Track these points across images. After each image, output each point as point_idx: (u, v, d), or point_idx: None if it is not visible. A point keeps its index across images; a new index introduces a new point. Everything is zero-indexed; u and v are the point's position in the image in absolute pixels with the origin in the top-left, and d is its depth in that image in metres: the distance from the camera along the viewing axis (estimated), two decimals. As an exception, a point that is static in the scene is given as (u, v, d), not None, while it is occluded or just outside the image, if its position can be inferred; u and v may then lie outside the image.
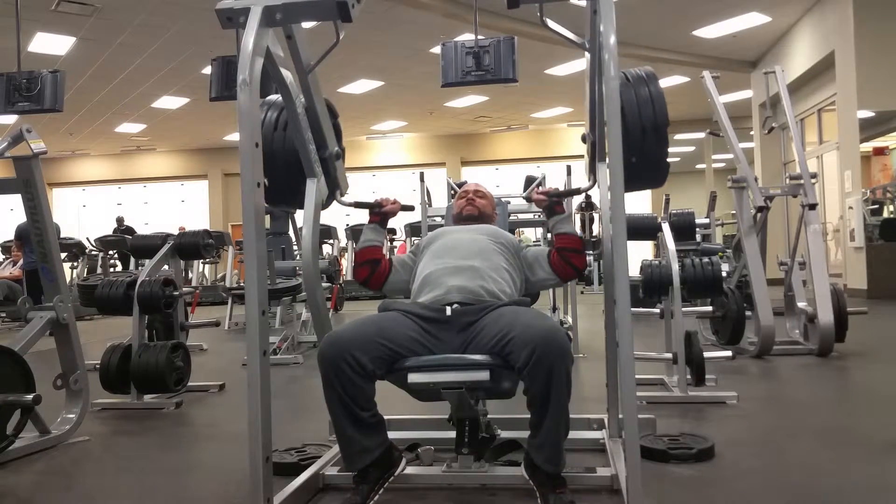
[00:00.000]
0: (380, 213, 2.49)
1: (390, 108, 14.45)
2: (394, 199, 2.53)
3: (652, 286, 3.48)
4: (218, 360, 5.51)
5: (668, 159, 2.36)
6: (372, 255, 2.44)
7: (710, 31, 10.47)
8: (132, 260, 9.72)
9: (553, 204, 2.42)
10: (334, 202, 2.52)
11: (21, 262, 8.50)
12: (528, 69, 10.92)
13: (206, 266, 12.09)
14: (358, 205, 2.52)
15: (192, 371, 3.80)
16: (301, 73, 2.16)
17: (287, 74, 2.12)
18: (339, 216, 13.41)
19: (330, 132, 2.37)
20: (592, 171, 2.51)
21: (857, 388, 3.90)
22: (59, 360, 3.02)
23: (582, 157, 2.68)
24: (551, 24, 2.09)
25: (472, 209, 2.58)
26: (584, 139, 2.51)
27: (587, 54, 2.30)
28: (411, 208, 2.61)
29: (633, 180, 2.20)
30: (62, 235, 9.58)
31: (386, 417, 2.62)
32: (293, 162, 2.33)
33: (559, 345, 1.84)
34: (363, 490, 1.95)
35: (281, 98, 2.26)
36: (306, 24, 2.09)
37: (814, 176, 4.83)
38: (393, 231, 11.25)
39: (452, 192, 5.41)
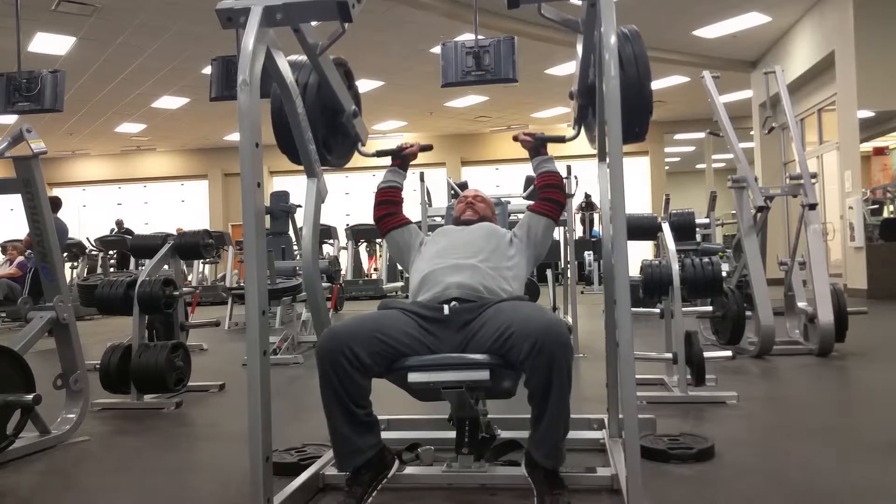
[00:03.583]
0: (401, 156, 2.67)
1: (390, 108, 14.45)
2: (413, 142, 2.72)
3: (652, 286, 3.48)
4: (218, 360, 5.51)
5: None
6: (393, 196, 2.63)
7: (710, 31, 10.46)
8: (132, 260, 9.72)
9: (538, 146, 2.60)
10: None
11: (19, 260, 8.46)
12: (528, 69, 10.92)
13: (206, 266, 12.09)
14: (379, 153, 2.73)
15: (192, 371, 3.80)
16: (312, 56, 2.18)
17: (287, 74, 2.12)
18: (339, 216, 13.47)
19: (346, 97, 2.44)
20: (578, 123, 2.63)
21: (857, 388, 3.90)
22: (59, 360, 3.03)
23: (581, 156, 2.71)
24: (546, 11, 2.08)
25: (472, 213, 2.63)
26: (571, 96, 2.58)
27: (580, 42, 2.32)
28: (430, 147, 2.79)
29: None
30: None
31: (386, 417, 2.65)
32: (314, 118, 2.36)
33: (560, 337, 1.85)
34: (356, 492, 1.95)
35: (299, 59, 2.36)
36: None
37: (814, 176, 4.83)
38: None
39: (452, 192, 5.42)
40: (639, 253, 13.37)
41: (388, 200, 2.61)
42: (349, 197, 16.27)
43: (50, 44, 9.58)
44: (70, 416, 3.00)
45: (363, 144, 2.64)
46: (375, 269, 13.18)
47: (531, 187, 5.31)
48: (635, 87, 2.25)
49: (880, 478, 2.23)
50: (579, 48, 2.40)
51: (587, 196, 12.46)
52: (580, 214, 12.68)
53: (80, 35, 9.42)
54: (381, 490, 2.02)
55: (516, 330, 1.89)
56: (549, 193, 2.50)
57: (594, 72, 2.33)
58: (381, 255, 12.99)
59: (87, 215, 18.44)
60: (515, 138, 2.66)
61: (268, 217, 7.52)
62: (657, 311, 3.76)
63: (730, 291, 4.61)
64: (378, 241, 12.27)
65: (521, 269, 2.37)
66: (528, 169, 2.77)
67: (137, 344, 3.63)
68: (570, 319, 5.18)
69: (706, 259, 3.54)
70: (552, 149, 2.67)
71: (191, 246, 4.38)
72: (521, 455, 2.08)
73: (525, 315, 1.93)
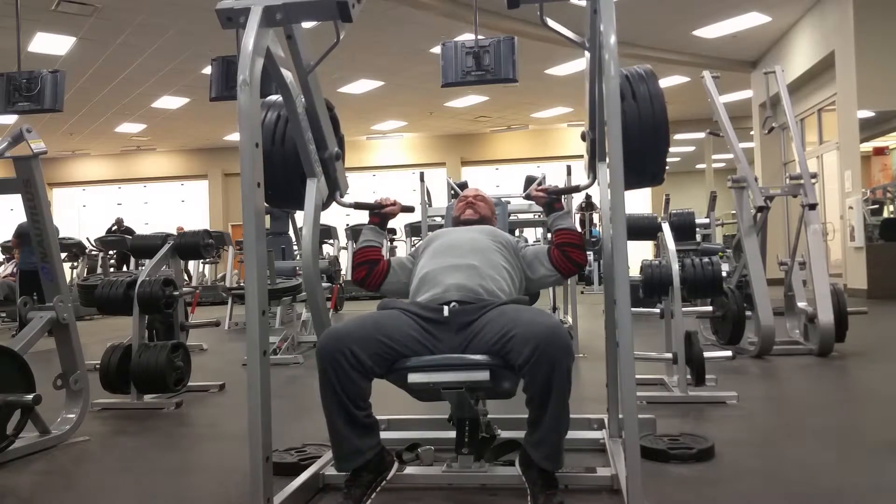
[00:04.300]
0: (379, 214, 2.52)
1: (390, 108, 14.45)
2: (394, 199, 2.56)
3: (652, 286, 3.48)
4: (218, 360, 5.51)
5: (669, 159, 2.35)
6: (370, 255, 2.46)
7: (710, 31, 10.47)
8: (132, 260, 9.72)
9: (552, 201, 2.45)
10: (334, 203, 2.51)
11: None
12: (528, 69, 10.91)
13: (206, 266, 12.09)
14: (358, 206, 2.53)
15: (192, 371, 3.80)
16: (301, 73, 2.16)
17: (287, 74, 2.12)
18: (339, 216, 13.43)
19: (330, 133, 2.36)
20: (592, 168, 2.52)
21: (857, 388, 3.90)
22: (59, 360, 3.03)
23: (582, 156, 2.69)
24: (551, 23, 2.09)
25: (472, 213, 2.62)
26: (583, 137, 2.52)
27: (587, 54, 2.30)
28: (411, 209, 2.62)
29: (633, 179, 2.20)
30: (61, 235, 9.52)
31: (386, 417, 2.65)
32: (293, 163, 2.32)
33: (561, 342, 1.84)
34: (355, 493, 1.94)
35: (279, 98, 2.26)
36: (306, 24, 2.09)
37: (814, 176, 4.83)
38: (393, 231, 11.25)
39: (452, 192, 5.42)
40: (639, 253, 13.37)
41: (367, 261, 2.44)
42: (349, 197, 16.27)
43: (50, 44, 9.58)
44: (70, 416, 3.00)
45: (342, 195, 2.49)
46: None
47: (531, 187, 5.30)
48: (651, 126, 2.22)
49: (880, 478, 2.23)
50: (586, 67, 2.35)
51: (587, 196, 12.47)
52: (580, 214, 12.68)
53: (80, 35, 9.42)
54: (380, 490, 2.01)
55: (517, 334, 1.88)
56: (570, 253, 2.34)
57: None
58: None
59: (87, 215, 18.44)
60: (528, 196, 2.55)
61: (268, 217, 7.51)
62: (657, 311, 3.76)
63: (730, 291, 4.61)
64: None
65: (516, 277, 2.36)
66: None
67: (137, 344, 3.63)
68: (570, 319, 5.18)
69: (706, 259, 3.54)
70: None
71: (191, 246, 4.38)
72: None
73: (527, 319, 1.92)
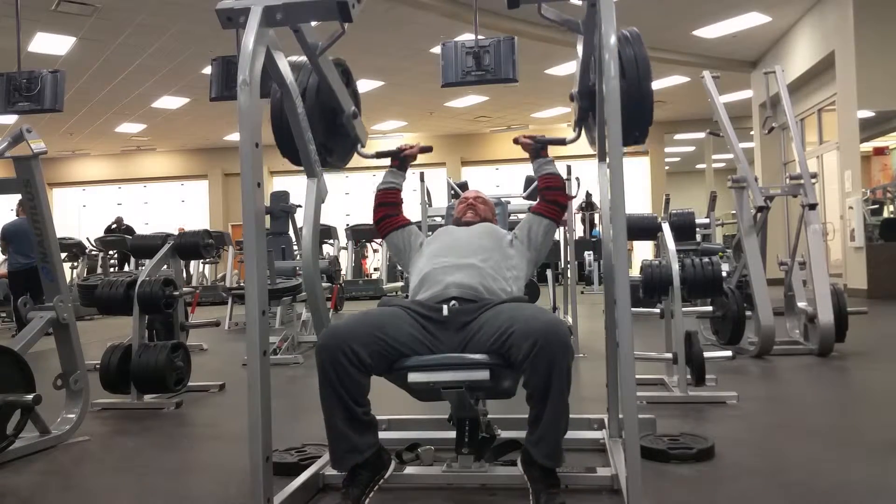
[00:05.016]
0: (400, 157, 2.66)
1: (390, 108, 14.44)
2: (412, 144, 2.71)
3: (652, 286, 3.48)
4: (218, 360, 5.51)
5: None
6: (392, 198, 2.61)
7: (710, 31, 10.46)
8: (132, 260, 9.72)
9: (539, 148, 2.61)
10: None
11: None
12: (528, 69, 10.91)
13: (206, 266, 12.09)
14: (379, 154, 2.72)
15: (192, 371, 3.81)
16: (312, 58, 2.18)
17: (287, 74, 2.12)
18: (339, 216, 13.48)
19: (345, 97, 2.43)
20: (578, 126, 2.64)
21: (857, 388, 3.91)
22: (59, 360, 3.03)
23: (581, 157, 2.71)
24: (546, 11, 2.08)
25: (473, 215, 2.64)
26: (571, 98, 2.59)
27: (580, 43, 2.32)
28: (430, 149, 2.75)
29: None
30: (59, 235, 9.44)
31: (386, 417, 2.65)
32: (318, 121, 2.38)
33: (560, 338, 1.85)
34: (353, 493, 1.94)
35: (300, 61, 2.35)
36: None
37: (814, 176, 4.83)
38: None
39: (453, 192, 5.42)
40: (639, 253, 13.36)
41: (387, 202, 2.60)
42: (349, 197, 16.27)
43: (50, 44, 9.58)
44: (70, 416, 3.00)
45: (363, 146, 2.64)
46: (376, 269, 13.19)
47: (531, 187, 5.31)
48: (635, 89, 2.24)
49: (880, 478, 2.23)
50: (580, 49, 2.40)
51: (588, 196, 12.48)
52: (580, 214, 12.69)
53: (80, 35, 9.42)
54: (380, 490, 2.01)
55: (516, 330, 1.89)
56: (551, 195, 2.50)
57: (594, 73, 2.33)
58: (369, 255, 13.05)
59: (87, 215, 18.43)
60: (516, 141, 2.66)
61: (268, 217, 7.51)
62: (657, 311, 3.76)
63: (730, 291, 4.61)
64: (372, 242, 12.30)
65: (521, 270, 2.37)
66: (528, 169, 2.77)
67: (137, 344, 3.63)
68: (570, 319, 5.18)
69: (706, 259, 3.54)
70: (554, 147, 2.67)
71: (191, 246, 4.38)
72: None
73: (526, 316, 1.93)
